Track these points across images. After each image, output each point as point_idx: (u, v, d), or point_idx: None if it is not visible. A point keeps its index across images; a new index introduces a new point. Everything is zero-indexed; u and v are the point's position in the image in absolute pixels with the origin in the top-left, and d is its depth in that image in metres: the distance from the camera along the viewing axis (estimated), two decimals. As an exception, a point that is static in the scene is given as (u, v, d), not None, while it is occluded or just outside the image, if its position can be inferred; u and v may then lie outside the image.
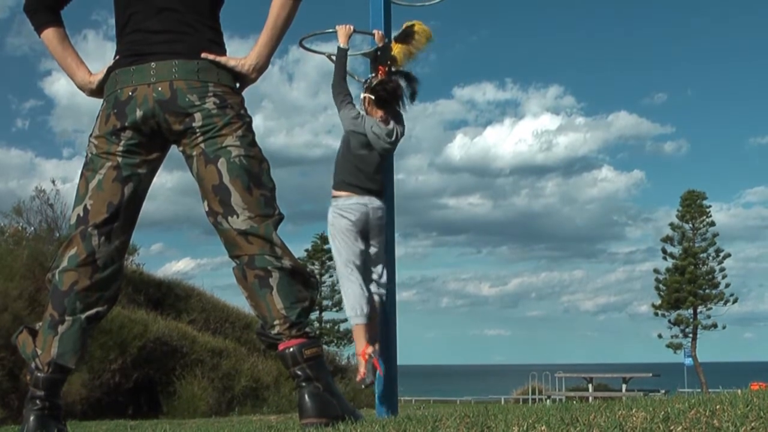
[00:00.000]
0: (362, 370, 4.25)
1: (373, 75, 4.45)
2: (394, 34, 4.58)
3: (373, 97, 4.37)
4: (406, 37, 4.48)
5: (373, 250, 4.41)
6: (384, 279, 4.43)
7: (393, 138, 4.37)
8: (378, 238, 4.41)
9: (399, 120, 4.44)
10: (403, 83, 4.45)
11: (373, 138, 4.32)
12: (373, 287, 4.38)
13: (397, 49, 4.46)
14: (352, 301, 4.24)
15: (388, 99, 4.37)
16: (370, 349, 4.23)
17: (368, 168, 4.35)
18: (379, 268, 4.43)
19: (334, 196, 4.37)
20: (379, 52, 4.48)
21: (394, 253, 4.60)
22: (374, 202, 4.35)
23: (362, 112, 4.41)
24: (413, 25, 4.54)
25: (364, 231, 4.35)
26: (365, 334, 4.25)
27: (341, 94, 4.37)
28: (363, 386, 4.36)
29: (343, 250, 4.31)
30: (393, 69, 4.47)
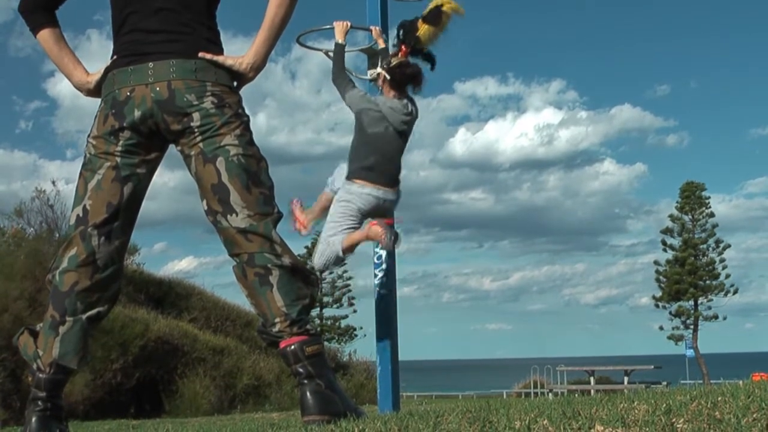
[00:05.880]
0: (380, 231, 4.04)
1: (394, 54, 4.28)
2: (420, 13, 4.32)
3: (389, 77, 4.21)
4: (435, 17, 4.30)
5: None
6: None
7: (409, 110, 4.20)
8: (380, 217, 4.39)
9: (413, 101, 4.32)
10: (422, 65, 4.33)
11: (388, 112, 4.14)
12: None
13: (423, 30, 4.29)
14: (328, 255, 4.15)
15: (403, 83, 4.20)
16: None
17: (386, 147, 4.18)
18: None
19: (353, 182, 4.20)
20: (402, 31, 4.34)
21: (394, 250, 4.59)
22: (388, 195, 4.26)
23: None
24: (443, 5, 4.28)
25: (368, 215, 4.31)
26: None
27: (343, 81, 4.27)
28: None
29: (339, 227, 4.26)
30: (417, 48, 4.32)
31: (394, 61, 4.24)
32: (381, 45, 4.43)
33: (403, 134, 4.24)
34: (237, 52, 2.84)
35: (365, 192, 4.17)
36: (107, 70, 2.81)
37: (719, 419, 1.93)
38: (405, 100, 4.22)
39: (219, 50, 2.81)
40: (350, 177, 4.23)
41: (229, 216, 2.72)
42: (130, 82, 2.73)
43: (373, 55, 4.48)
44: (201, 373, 14.81)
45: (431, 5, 4.32)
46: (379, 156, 4.18)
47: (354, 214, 4.20)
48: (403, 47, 4.28)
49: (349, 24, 4.46)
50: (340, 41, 4.37)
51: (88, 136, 2.83)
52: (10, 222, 16.96)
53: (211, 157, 2.71)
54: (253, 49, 2.82)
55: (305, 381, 2.70)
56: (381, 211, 4.29)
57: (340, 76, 4.30)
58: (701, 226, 33.59)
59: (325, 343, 21.94)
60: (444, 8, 4.28)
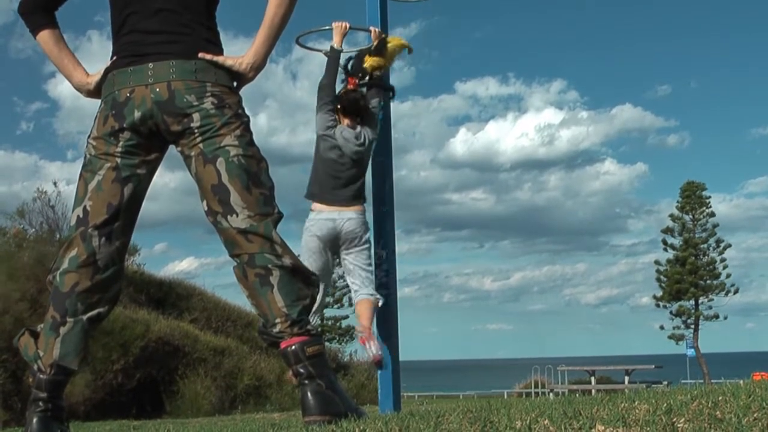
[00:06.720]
0: None
1: (343, 85, 4.53)
2: (369, 44, 4.53)
3: (339, 106, 4.50)
4: (380, 49, 4.49)
5: (348, 258, 4.43)
6: (365, 289, 4.40)
7: (361, 140, 4.44)
8: (353, 248, 4.42)
9: (370, 124, 4.50)
10: (374, 92, 4.52)
11: (342, 142, 4.40)
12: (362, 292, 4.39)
13: (369, 61, 4.47)
14: None
15: (349, 108, 4.47)
16: None
17: (340, 174, 4.41)
18: (358, 278, 4.43)
19: (311, 209, 4.46)
20: (349, 63, 4.53)
21: (394, 249, 4.60)
22: (345, 215, 4.38)
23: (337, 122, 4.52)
24: (386, 41, 4.51)
25: (333, 244, 4.41)
26: None
27: (326, 97, 4.47)
28: None
29: (305, 262, 4.29)
30: (364, 80, 4.50)
31: (341, 92, 4.48)
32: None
33: (357, 162, 4.46)
34: (238, 52, 2.84)
35: (321, 218, 4.38)
36: (107, 71, 2.81)
37: (720, 419, 1.93)
38: (358, 128, 4.42)
39: (219, 50, 2.81)
40: (308, 197, 4.47)
41: (229, 217, 2.72)
42: (129, 83, 2.72)
43: (347, 67, 4.58)
44: (202, 374, 14.81)
45: (379, 39, 4.50)
46: (333, 180, 4.41)
47: (314, 245, 4.35)
48: (350, 79, 4.49)
49: (348, 25, 4.49)
50: (336, 46, 4.42)
51: (88, 137, 2.82)
52: (11, 223, 17.00)
53: (211, 157, 2.71)
54: (252, 49, 2.82)
55: (306, 381, 2.70)
56: (346, 237, 4.39)
57: (327, 89, 4.45)
58: (702, 226, 33.59)
59: (326, 343, 21.91)
60: (388, 43, 4.47)
